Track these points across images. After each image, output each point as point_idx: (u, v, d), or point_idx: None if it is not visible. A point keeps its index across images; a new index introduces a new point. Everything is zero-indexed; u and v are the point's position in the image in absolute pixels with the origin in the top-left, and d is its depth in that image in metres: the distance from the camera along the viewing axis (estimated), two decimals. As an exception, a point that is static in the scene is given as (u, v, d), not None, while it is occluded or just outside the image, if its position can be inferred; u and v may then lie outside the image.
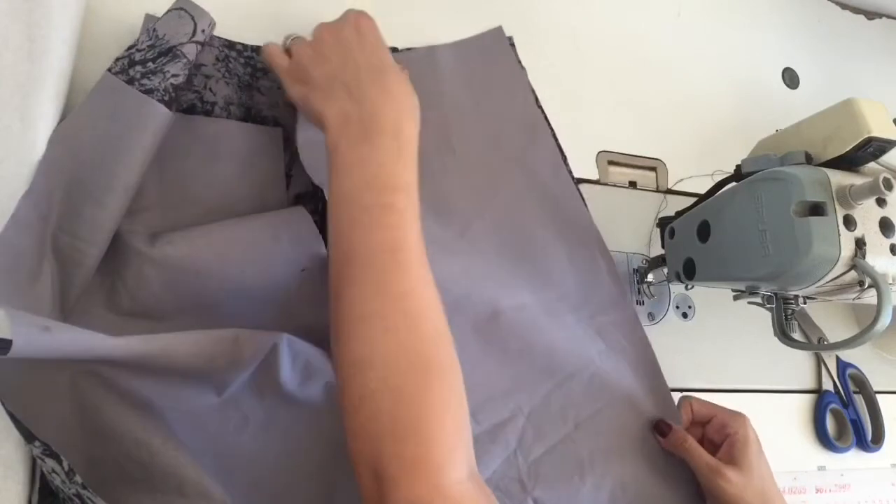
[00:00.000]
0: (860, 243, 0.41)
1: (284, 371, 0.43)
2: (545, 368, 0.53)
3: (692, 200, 0.55)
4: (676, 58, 0.72)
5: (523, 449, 0.50)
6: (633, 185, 0.65)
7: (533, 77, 0.64)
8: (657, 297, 0.62)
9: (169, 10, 0.45)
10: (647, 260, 0.62)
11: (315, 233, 0.46)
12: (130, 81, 0.43)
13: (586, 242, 0.58)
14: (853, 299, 0.45)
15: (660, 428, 0.54)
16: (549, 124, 0.61)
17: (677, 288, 0.63)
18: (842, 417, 0.64)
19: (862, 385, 0.66)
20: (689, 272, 0.52)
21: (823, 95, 0.77)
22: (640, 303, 0.61)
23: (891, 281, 0.42)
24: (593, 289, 0.57)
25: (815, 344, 0.65)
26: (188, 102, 0.48)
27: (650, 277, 0.61)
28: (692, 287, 0.63)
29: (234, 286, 0.44)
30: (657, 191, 0.66)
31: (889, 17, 0.88)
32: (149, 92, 0.43)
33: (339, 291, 0.37)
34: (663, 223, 0.57)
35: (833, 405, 0.64)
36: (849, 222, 0.41)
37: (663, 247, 0.57)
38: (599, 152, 0.64)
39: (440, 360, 0.36)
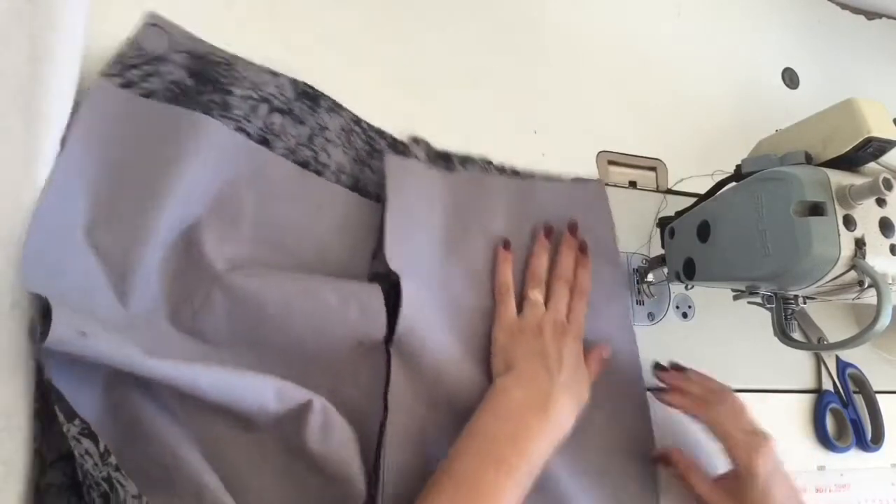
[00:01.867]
0: (860, 243, 0.41)
1: (311, 431, 0.43)
2: None
3: (692, 200, 0.55)
4: (676, 58, 0.72)
5: None
6: (633, 185, 0.65)
7: (533, 76, 0.65)
8: (657, 297, 0.62)
9: (143, 24, 0.49)
10: (647, 260, 0.62)
11: (382, 314, 0.47)
12: (129, 84, 0.46)
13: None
14: (853, 299, 0.45)
15: (662, 457, 0.54)
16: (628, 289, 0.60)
17: (677, 288, 0.63)
18: (842, 417, 0.64)
19: (862, 385, 0.66)
20: (689, 272, 0.52)
21: (823, 95, 0.77)
22: (640, 303, 0.61)
23: (891, 281, 0.42)
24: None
25: (815, 344, 0.65)
26: (303, 158, 0.51)
27: (650, 277, 0.61)
28: (692, 287, 0.63)
29: (291, 335, 0.45)
30: (657, 191, 0.66)
31: (889, 17, 0.88)
32: (150, 94, 0.46)
33: (428, 493, 0.42)
34: (663, 223, 0.57)
35: (833, 405, 0.64)
36: (849, 222, 0.41)
37: (663, 247, 0.57)
38: (599, 152, 0.65)
39: None
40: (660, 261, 0.57)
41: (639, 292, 0.61)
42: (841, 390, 0.65)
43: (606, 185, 0.63)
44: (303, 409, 0.43)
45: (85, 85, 0.45)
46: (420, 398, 0.47)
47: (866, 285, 0.42)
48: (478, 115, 0.61)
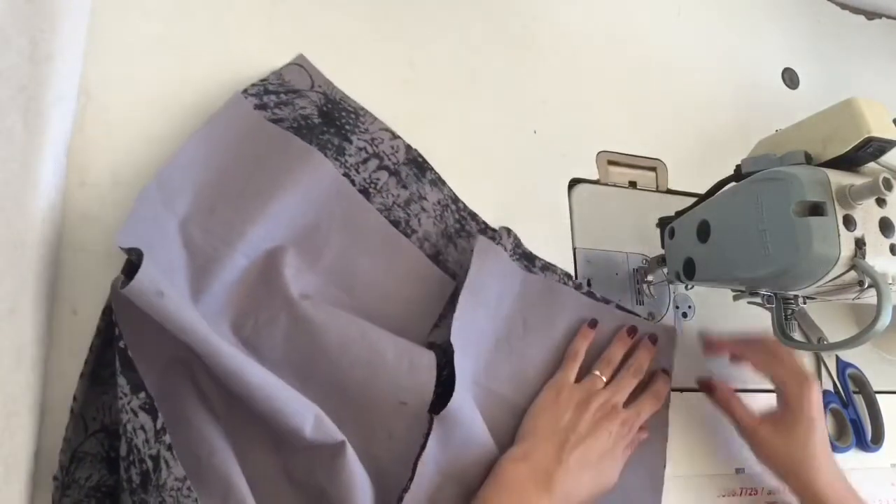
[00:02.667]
0: (860, 243, 0.41)
1: (335, 473, 0.43)
2: None
3: (692, 200, 0.55)
4: (676, 58, 0.72)
5: None
6: (633, 185, 0.65)
7: (534, 77, 0.65)
8: (657, 297, 0.62)
9: (290, 63, 0.54)
10: (647, 260, 0.62)
11: (432, 381, 0.47)
12: (263, 107, 0.51)
13: None
14: (853, 299, 0.45)
15: (705, 386, 0.58)
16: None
17: (677, 288, 0.63)
18: (841, 417, 0.64)
19: (862, 385, 0.66)
20: (689, 272, 0.52)
21: (823, 95, 0.77)
22: (640, 303, 0.61)
23: (891, 281, 0.42)
24: None
25: (815, 344, 0.65)
26: (396, 218, 0.54)
27: (650, 277, 0.61)
28: (692, 287, 0.63)
29: (339, 376, 0.46)
30: (657, 191, 0.66)
31: (889, 17, 0.88)
32: (278, 121, 0.51)
33: None
34: (663, 223, 0.57)
35: (833, 405, 0.64)
36: (848, 222, 0.41)
37: (663, 247, 0.57)
38: (599, 152, 0.65)
39: None
40: (660, 261, 0.57)
41: (639, 292, 0.61)
42: (841, 390, 0.65)
43: (606, 185, 0.64)
44: (334, 450, 0.43)
45: (86, 85, 0.45)
46: (444, 472, 0.47)
47: (866, 285, 0.42)
48: (478, 114, 0.61)
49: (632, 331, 0.56)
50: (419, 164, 0.56)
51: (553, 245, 0.60)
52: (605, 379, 0.53)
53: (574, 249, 0.61)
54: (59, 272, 0.43)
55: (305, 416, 0.42)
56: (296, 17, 0.57)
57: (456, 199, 0.57)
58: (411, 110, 0.58)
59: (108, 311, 0.41)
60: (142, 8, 0.51)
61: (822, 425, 0.52)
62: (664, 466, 0.55)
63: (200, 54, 0.52)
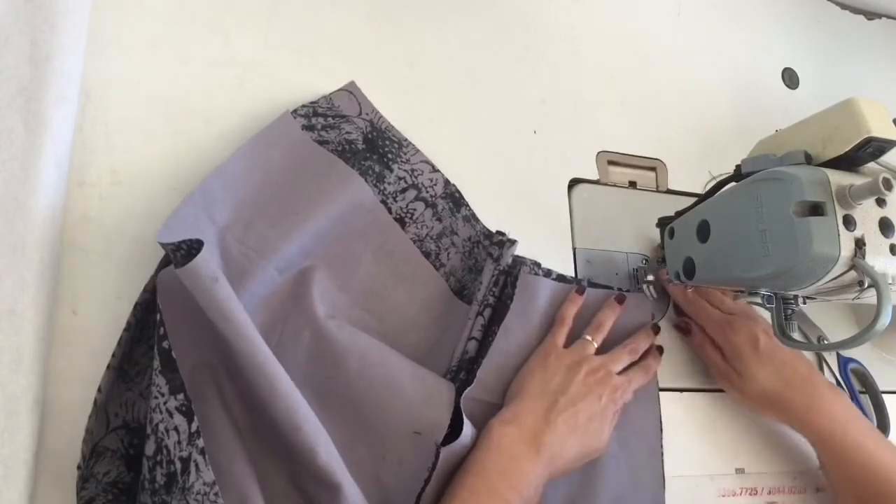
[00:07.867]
0: (860, 243, 0.41)
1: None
2: None
3: (692, 200, 0.55)
4: (676, 58, 0.72)
5: None
6: (633, 185, 0.65)
7: (533, 77, 0.65)
8: (657, 297, 0.62)
9: (341, 89, 0.55)
10: (647, 260, 0.62)
11: (448, 413, 0.47)
12: (310, 128, 0.52)
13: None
14: (853, 299, 0.45)
15: (682, 328, 0.59)
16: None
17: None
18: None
19: (864, 378, 0.66)
20: (689, 272, 0.52)
21: (823, 95, 0.77)
22: (641, 303, 0.61)
23: (890, 281, 0.42)
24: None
25: (815, 344, 0.65)
26: (427, 249, 0.55)
27: (650, 277, 0.61)
28: (692, 287, 0.63)
29: (355, 398, 0.46)
30: (657, 191, 0.66)
31: (889, 17, 0.88)
32: (324, 143, 0.52)
33: None
34: (663, 223, 0.57)
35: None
36: (848, 222, 0.41)
37: (663, 247, 0.57)
38: (599, 152, 0.65)
39: None
40: (660, 260, 0.57)
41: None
42: (844, 387, 0.65)
43: (605, 185, 0.64)
44: (335, 489, 0.42)
45: (86, 85, 0.45)
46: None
47: (866, 285, 0.42)
48: (478, 114, 0.61)
49: (620, 299, 0.57)
50: (455, 200, 0.57)
51: (553, 245, 0.60)
52: (595, 345, 0.53)
53: (574, 249, 0.61)
54: (59, 272, 0.44)
55: (319, 440, 0.42)
56: (296, 17, 0.57)
57: (489, 235, 0.57)
58: (411, 110, 0.58)
59: (139, 308, 0.42)
60: (142, 8, 0.51)
61: (787, 352, 0.54)
62: (661, 430, 0.56)
63: (200, 54, 0.52)
